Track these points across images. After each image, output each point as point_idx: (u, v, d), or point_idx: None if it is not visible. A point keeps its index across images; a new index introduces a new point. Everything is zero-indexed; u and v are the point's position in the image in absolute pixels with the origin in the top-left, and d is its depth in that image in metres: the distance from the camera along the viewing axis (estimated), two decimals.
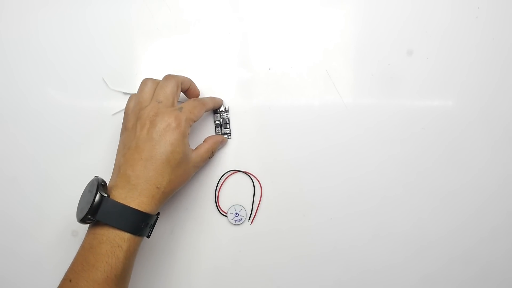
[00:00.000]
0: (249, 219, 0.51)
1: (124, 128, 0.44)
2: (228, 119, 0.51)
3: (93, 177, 0.42)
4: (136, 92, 0.45)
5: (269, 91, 0.51)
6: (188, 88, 0.47)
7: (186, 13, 0.52)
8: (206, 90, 0.51)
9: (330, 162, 0.50)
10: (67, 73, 0.52)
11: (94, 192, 0.39)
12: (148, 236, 0.43)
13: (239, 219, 0.51)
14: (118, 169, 0.42)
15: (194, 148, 0.46)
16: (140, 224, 0.40)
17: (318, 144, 0.51)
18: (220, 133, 0.51)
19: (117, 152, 0.44)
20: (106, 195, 0.39)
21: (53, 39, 0.52)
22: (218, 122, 0.51)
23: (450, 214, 0.50)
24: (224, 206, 0.51)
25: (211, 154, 0.48)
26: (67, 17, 0.52)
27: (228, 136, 0.51)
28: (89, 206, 0.39)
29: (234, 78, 0.52)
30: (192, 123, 0.43)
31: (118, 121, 0.51)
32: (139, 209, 0.40)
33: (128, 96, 0.51)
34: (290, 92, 0.51)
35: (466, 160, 0.50)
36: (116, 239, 0.39)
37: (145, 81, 0.45)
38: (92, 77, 0.52)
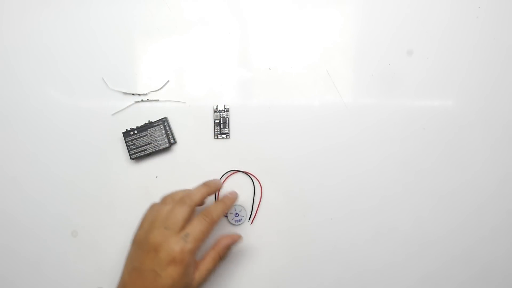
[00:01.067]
0: (249, 219, 0.51)
1: (134, 238, 0.44)
2: (228, 118, 0.51)
3: None
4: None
5: (269, 91, 0.51)
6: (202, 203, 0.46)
7: (186, 13, 0.52)
8: (206, 90, 0.52)
9: (330, 161, 0.50)
10: (67, 73, 0.52)
11: None
12: None
13: (239, 219, 0.51)
14: (123, 286, 0.42)
15: (200, 259, 0.45)
16: None
17: (318, 144, 0.51)
18: (218, 132, 0.51)
19: (125, 263, 0.44)
20: None
21: (53, 39, 0.52)
22: (218, 121, 0.51)
23: (450, 213, 0.50)
24: None
25: (220, 259, 0.46)
26: (67, 17, 0.52)
27: (227, 136, 0.51)
28: None
29: (234, 78, 0.52)
30: (199, 247, 0.42)
31: (118, 121, 0.51)
32: None
33: (128, 96, 0.52)
34: (290, 92, 0.51)
35: (465, 159, 0.50)
36: None
37: (165, 199, 0.45)
38: (92, 77, 0.52)
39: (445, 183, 0.50)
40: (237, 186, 0.51)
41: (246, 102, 0.51)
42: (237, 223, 0.51)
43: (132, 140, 0.50)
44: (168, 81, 0.52)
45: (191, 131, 0.51)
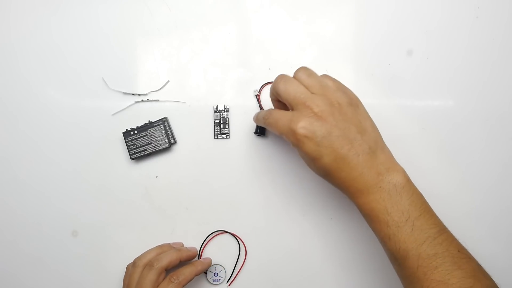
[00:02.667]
0: (227, 281, 0.51)
1: None
2: (228, 118, 0.51)
3: None
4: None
5: (269, 91, 0.51)
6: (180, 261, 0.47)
7: (186, 13, 0.52)
8: (206, 90, 0.52)
9: None
10: (67, 73, 0.52)
11: None
12: None
13: (218, 280, 0.50)
14: None
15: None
16: None
17: None
18: (218, 132, 0.51)
19: None
20: None
21: (53, 39, 0.52)
22: (218, 121, 0.51)
23: (450, 213, 0.50)
24: None
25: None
26: (67, 17, 0.52)
27: (227, 136, 0.51)
28: None
29: (234, 78, 0.52)
30: None
31: (118, 121, 0.51)
32: None
33: (128, 96, 0.52)
34: None
35: (465, 159, 0.50)
36: None
37: (135, 262, 0.47)
38: (92, 77, 0.52)
39: (445, 183, 0.50)
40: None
41: (246, 102, 0.51)
42: (214, 283, 0.50)
43: (132, 140, 0.50)
44: (168, 81, 0.52)
45: (191, 131, 0.51)
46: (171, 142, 0.50)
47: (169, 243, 0.50)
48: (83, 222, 0.52)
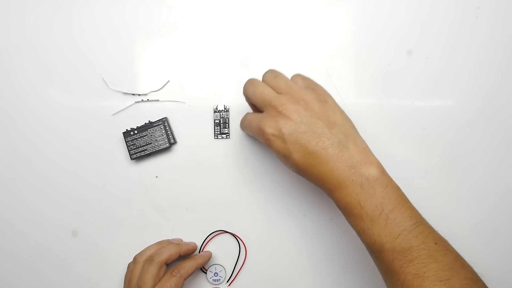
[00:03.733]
0: (227, 281, 0.51)
1: None
2: (228, 118, 0.51)
3: None
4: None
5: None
6: (179, 256, 0.48)
7: (186, 13, 0.52)
8: (206, 90, 0.52)
9: None
10: (67, 73, 0.52)
11: None
12: None
13: (218, 280, 0.50)
14: None
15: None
16: None
17: None
18: (218, 132, 0.51)
19: None
20: None
21: (53, 39, 0.52)
22: (218, 121, 0.51)
23: (450, 214, 0.50)
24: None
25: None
26: (67, 17, 0.52)
27: (227, 136, 0.51)
28: None
29: (234, 78, 0.52)
30: None
31: (118, 121, 0.51)
32: None
33: (128, 96, 0.52)
34: None
35: (466, 160, 0.50)
36: None
37: (135, 258, 0.48)
38: (92, 77, 0.52)
39: (444, 183, 0.50)
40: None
41: (246, 102, 0.51)
42: (214, 283, 0.50)
43: (132, 140, 0.50)
44: (168, 81, 0.52)
45: (191, 131, 0.52)
46: (171, 142, 0.50)
47: (168, 239, 0.50)
48: (83, 222, 0.52)
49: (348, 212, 0.39)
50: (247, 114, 0.45)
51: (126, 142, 0.50)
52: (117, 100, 0.52)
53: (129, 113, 0.52)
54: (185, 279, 0.46)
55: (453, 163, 0.50)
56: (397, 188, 0.39)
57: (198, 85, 0.52)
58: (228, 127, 0.51)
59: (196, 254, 0.50)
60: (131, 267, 0.47)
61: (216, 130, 0.51)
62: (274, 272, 0.51)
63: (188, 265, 0.47)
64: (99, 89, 0.52)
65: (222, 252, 0.51)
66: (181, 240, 0.51)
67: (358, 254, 0.50)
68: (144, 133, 0.50)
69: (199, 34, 0.52)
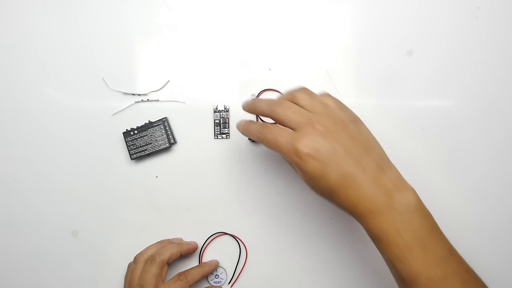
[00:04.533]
0: (229, 283, 0.50)
1: None
2: (228, 118, 0.51)
3: None
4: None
5: (269, 91, 0.51)
6: (180, 256, 0.48)
7: (186, 13, 0.52)
8: (206, 90, 0.52)
9: None
10: (67, 73, 0.52)
11: None
12: None
13: (219, 282, 0.50)
14: None
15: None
16: None
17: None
18: (218, 132, 0.51)
19: None
20: None
21: (53, 39, 0.52)
22: (218, 121, 0.51)
23: (450, 213, 0.50)
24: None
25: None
26: (67, 17, 0.52)
27: (227, 136, 0.51)
28: None
29: (234, 78, 0.52)
30: None
31: (118, 121, 0.51)
32: None
33: (128, 96, 0.52)
34: None
35: (466, 160, 0.50)
36: None
37: (136, 258, 0.47)
38: (92, 77, 0.52)
39: (444, 183, 0.50)
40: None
41: None
42: (216, 285, 0.50)
43: (132, 140, 0.50)
44: (168, 81, 0.52)
45: (191, 131, 0.52)
46: (171, 142, 0.50)
47: (168, 239, 0.50)
48: (83, 222, 0.52)
49: (383, 239, 0.37)
50: (270, 125, 0.40)
51: (126, 142, 0.50)
52: (117, 100, 0.52)
53: (129, 113, 0.52)
54: (190, 286, 0.45)
55: (453, 163, 0.50)
56: (432, 216, 0.39)
57: (198, 85, 0.52)
58: (228, 127, 0.51)
59: (204, 262, 0.50)
60: (131, 267, 0.47)
61: (216, 130, 0.51)
62: (275, 272, 0.51)
63: (195, 272, 0.47)
64: (99, 89, 0.52)
65: (222, 254, 0.51)
66: (182, 240, 0.51)
67: (358, 254, 0.50)
68: (144, 133, 0.50)
69: (199, 34, 0.52)
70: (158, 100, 0.52)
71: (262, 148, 0.51)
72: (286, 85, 0.51)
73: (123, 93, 0.52)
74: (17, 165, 0.52)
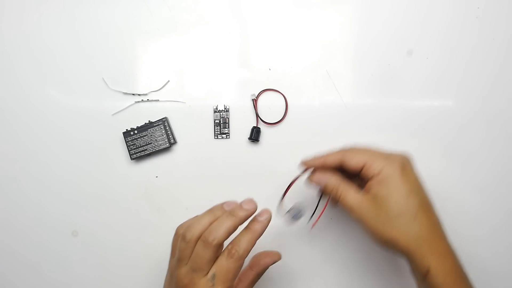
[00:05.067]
0: (309, 220, 0.46)
1: (169, 265, 0.41)
2: (228, 118, 0.51)
3: None
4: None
5: (269, 91, 0.51)
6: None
7: (186, 13, 0.52)
8: (206, 90, 0.52)
9: None
10: (67, 73, 0.52)
11: None
12: None
13: (297, 216, 0.44)
14: None
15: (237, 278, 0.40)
16: None
17: (318, 144, 0.51)
18: (218, 132, 0.51)
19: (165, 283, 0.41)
20: None
21: (53, 39, 0.52)
22: (218, 121, 0.51)
23: (449, 213, 0.50)
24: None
25: (258, 279, 0.43)
26: (67, 17, 0.52)
27: (227, 136, 0.51)
28: None
29: (234, 78, 0.52)
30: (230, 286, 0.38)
31: (118, 121, 0.51)
32: None
33: (128, 96, 0.52)
34: (290, 92, 0.51)
35: (465, 160, 0.50)
36: None
37: (184, 236, 0.39)
38: (92, 77, 0.52)
39: (444, 183, 0.50)
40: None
41: (246, 102, 0.51)
42: (293, 222, 0.45)
43: (132, 140, 0.50)
44: (168, 81, 0.52)
45: (191, 131, 0.52)
46: (171, 142, 0.50)
47: (221, 205, 0.41)
48: (83, 222, 0.52)
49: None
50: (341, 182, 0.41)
51: (126, 142, 0.50)
52: (117, 100, 0.52)
53: (129, 113, 0.52)
54: (244, 259, 0.38)
55: (453, 163, 0.50)
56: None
57: (198, 85, 0.52)
58: (228, 127, 0.51)
59: (253, 221, 0.40)
60: (180, 245, 0.39)
61: (216, 130, 0.51)
62: (274, 272, 0.51)
63: (245, 241, 0.38)
64: (99, 89, 0.52)
65: None
66: (236, 204, 0.40)
67: (358, 254, 0.50)
68: (144, 133, 0.50)
69: (199, 34, 0.52)
70: (158, 100, 0.52)
71: (262, 148, 0.51)
72: (286, 85, 0.51)
73: (123, 93, 0.52)
74: (17, 165, 0.52)
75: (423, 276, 0.39)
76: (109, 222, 0.51)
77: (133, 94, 0.52)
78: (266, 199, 0.51)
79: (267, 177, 0.51)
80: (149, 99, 0.52)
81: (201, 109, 0.51)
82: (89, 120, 0.52)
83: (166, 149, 0.51)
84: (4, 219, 0.52)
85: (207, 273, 0.37)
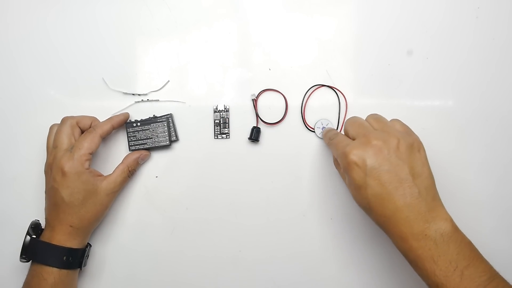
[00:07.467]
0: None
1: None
2: (228, 118, 0.51)
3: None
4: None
5: (269, 91, 0.51)
6: (90, 126, 0.49)
7: (186, 13, 0.52)
8: (206, 90, 0.52)
9: (330, 161, 0.50)
10: (67, 73, 0.52)
11: (25, 234, 0.46)
12: (81, 268, 0.48)
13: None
14: (45, 209, 0.48)
15: (109, 173, 0.48)
16: (63, 257, 0.45)
17: (317, 144, 0.51)
18: (218, 132, 0.51)
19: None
20: (33, 236, 0.46)
21: (53, 39, 0.52)
22: (218, 121, 0.51)
23: (449, 213, 0.50)
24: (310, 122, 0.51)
25: (129, 173, 0.49)
26: (67, 17, 0.52)
27: (227, 136, 0.51)
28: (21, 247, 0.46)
29: (234, 78, 0.52)
30: (90, 155, 0.46)
31: None
32: (59, 244, 0.45)
33: (128, 96, 0.52)
34: (290, 92, 0.51)
35: (466, 160, 0.50)
36: (42, 273, 0.45)
37: (51, 128, 0.49)
38: (92, 77, 0.52)
39: (444, 183, 0.50)
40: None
41: (246, 102, 0.51)
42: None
43: (133, 132, 0.50)
44: (168, 81, 0.52)
45: (191, 131, 0.52)
46: (172, 140, 0.50)
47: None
48: None
49: (419, 266, 0.38)
50: (339, 133, 0.45)
51: (127, 133, 0.51)
52: (117, 100, 0.52)
53: (129, 113, 0.52)
54: (101, 136, 0.47)
55: (453, 163, 0.50)
56: (470, 244, 0.39)
57: (198, 85, 0.52)
58: (228, 127, 0.51)
59: (114, 115, 0.51)
60: (48, 135, 0.48)
61: (216, 130, 0.51)
62: (274, 272, 0.51)
63: (104, 123, 0.48)
64: (99, 89, 0.52)
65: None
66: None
67: (358, 254, 0.50)
68: (146, 127, 0.50)
69: (199, 34, 0.52)
70: (158, 100, 0.52)
71: (261, 148, 0.51)
72: (286, 85, 0.51)
73: (123, 93, 0.52)
74: (17, 164, 0.52)
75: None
76: (109, 222, 0.51)
77: (133, 94, 0.52)
78: (266, 198, 0.51)
79: (267, 177, 0.51)
80: (149, 99, 0.52)
81: (201, 109, 0.52)
82: None
83: (165, 147, 0.51)
84: (4, 219, 0.52)
85: (67, 148, 0.46)
